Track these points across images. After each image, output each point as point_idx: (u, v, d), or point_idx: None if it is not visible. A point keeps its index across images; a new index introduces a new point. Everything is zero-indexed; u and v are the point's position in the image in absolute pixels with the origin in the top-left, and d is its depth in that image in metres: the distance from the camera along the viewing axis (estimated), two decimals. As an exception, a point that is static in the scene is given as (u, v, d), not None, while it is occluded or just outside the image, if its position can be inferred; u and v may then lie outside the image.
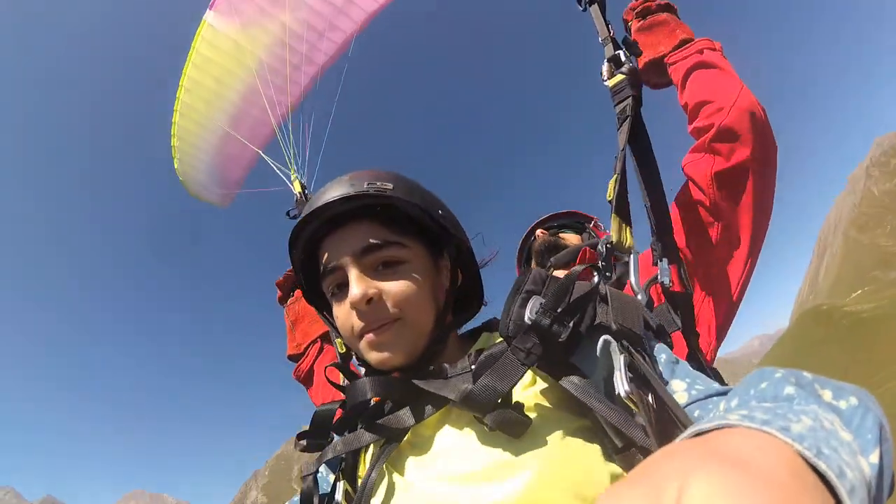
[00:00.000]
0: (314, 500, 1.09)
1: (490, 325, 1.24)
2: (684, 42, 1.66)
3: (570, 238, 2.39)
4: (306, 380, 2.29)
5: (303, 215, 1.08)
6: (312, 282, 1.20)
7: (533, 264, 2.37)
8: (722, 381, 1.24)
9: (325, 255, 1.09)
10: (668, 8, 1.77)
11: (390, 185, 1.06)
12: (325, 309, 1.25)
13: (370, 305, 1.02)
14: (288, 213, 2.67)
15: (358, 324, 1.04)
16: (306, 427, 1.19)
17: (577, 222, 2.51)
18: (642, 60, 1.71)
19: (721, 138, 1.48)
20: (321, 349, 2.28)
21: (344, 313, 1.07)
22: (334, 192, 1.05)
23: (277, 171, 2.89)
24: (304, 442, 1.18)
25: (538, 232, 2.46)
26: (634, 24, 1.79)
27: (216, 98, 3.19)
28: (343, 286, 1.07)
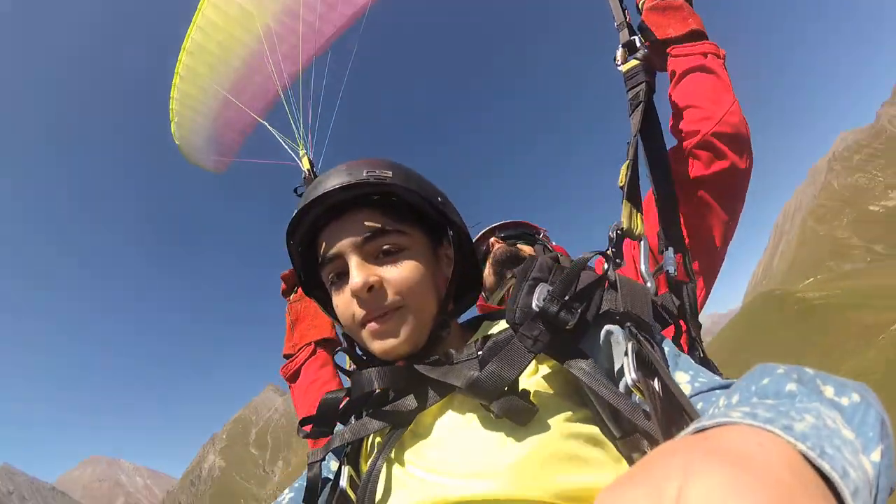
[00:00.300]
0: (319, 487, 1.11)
1: (490, 314, 1.25)
2: (693, 34, 1.65)
3: (526, 249, 2.39)
4: (292, 378, 2.27)
5: (301, 205, 1.07)
6: (311, 272, 1.20)
7: (488, 272, 2.35)
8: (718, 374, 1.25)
9: (325, 244, 1.08)
10: None
11: (389, 173, 1.06)
12: (323, 299, 1.23)
13: (371, 293, 1.02)
14: (296, 190, 2.62)
15: (359, 312, 1.04)
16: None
17: (528, 233, 2.51)
18: (649, 39, 1.70)
19: (704, 146, 1.51)
20: (313, 352, 2.25)
21: (344, 302, 1.07)
22: (333, 180, 1.04)
23: (285, 146, 2.86)
24: (307, 428, 1.17)
25: (493, 241, 2.45)
26: (648, 2, 1.75)
27: (219, 63, 3.15)
28: (343, 275, 1.07)
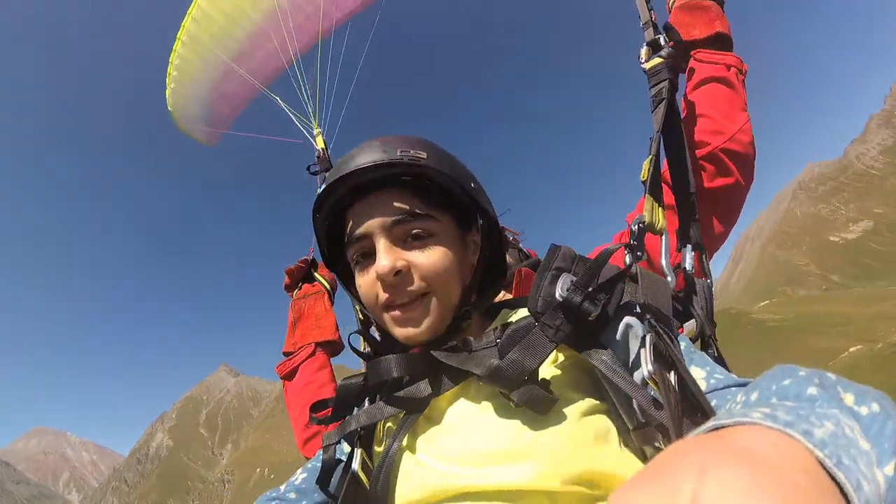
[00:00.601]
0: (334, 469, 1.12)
1: (510, 303, 1.23)
2: (718, 37, 1.65)
3: None
4: (288, 376, 2.22)
5: (330, 180, 1.05)
6: (335, 248, 1.18)
7: None
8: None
9: (352, 223, 1.06)
10: None
11: (424, 154, 1.03)
12: (345, 277, 1.22)
13: (398, 277, 1.01)
14: (308, 168, 2.60)
15: (383, 295, 1.04)
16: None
17: None
18: (673, 39, 1.69)
19: (711, 160, 1.51)
20: (312, 353, 2.21)
21: (368, 283, 1.06)
22: (365, 157, 1.02)
23: (297, 123, 2.79)
24: (320, 414, 1.17)
25: None
26: (677, 4, 1.75)
27: (223, 33, 3.07)
28: (369, 255, 1.06)
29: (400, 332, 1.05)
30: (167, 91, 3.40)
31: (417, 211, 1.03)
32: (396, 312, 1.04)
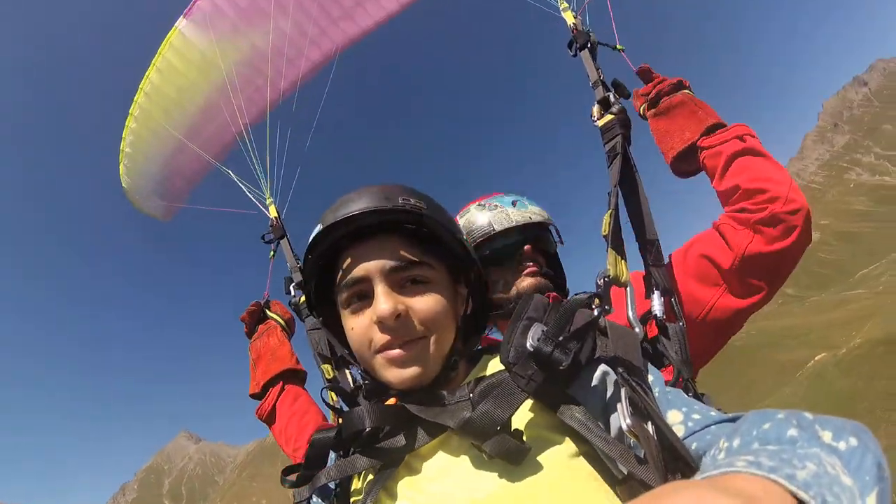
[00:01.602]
0: None
1: (490, 348, 1.24)
2: (715, 127, 1.64)
3: None
4: (269, 419, 2.26)
5: (330, 221, 1.06)
6: (320, 291, 1.19)
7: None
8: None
9: (349, 265, 1.06)
10: (679, 86, 1.75)
11: (423, 205, 1.06)
12: (328, 320, 1.23)
13: (398, 321, 1.01)
14: (263, 237, 2.67)
15: (380, 339, 1.03)
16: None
17: None
18: (670, 154, 1.71)
19: (770, 224, 1.47)
20: (282, 389, 2.26)
21: (363, 325, 1.05)
22: (366, 201, 1.03)
23: (248, 194, 2.84)
24: (293, 477, 1.16)
25: (532, 269, 2.28)
26: (649, 113, 1.78)
27: (175, 107, 3.08)
28: (364, 297, 1.06)
29: (394, 373, 1.04)
30: (121, 168, 3.37)
31: (415, 259, 1.05)
32: (395, 352, 1.03)
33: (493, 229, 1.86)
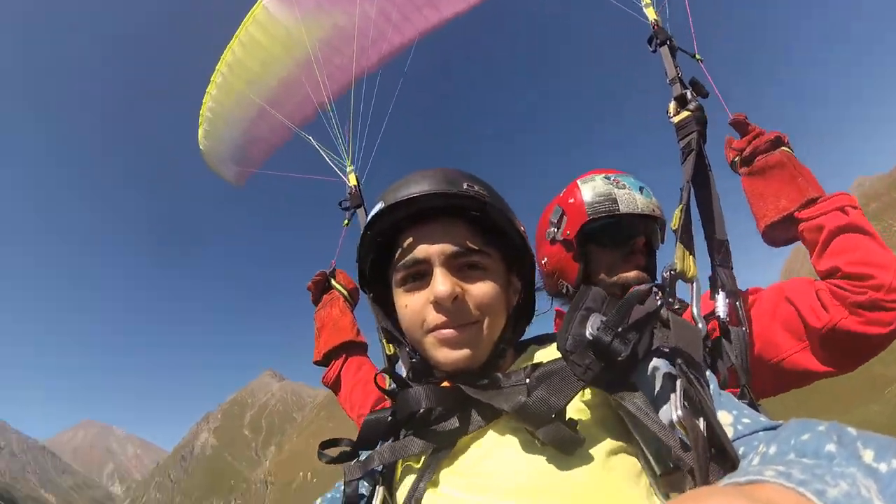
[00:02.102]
0: None
1: (539, 339, 1.23)
2: (815, 200, 1.51)
3: None
4: (334, 386, 2.34)
5: (392, 201, 1.04)
6: (375, 268, 1.18)
7: None
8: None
9: (409, 245, 1.06)
10: (778, 143, 1.60)
11: (485, 193, 1.05)
12: (379, 297, 1.22)
13: (454, 304, 1.01)
14: (340, 204, 2.73)
15: (435, 319, 1.03)
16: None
17: None
18: (763, 222, 1.59)
19: (869, 308, 1.38)
20: (345, 360, 2.32)
21: (418, 304, 1.05)
22: (430, 184, 1.02)
23: (329, 162, 2.87)
24: (332, 451, 1.15)
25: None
26: (742, 170, 1.66)
27: (257, 79, 3.10)
28: (420, 277, 1.06)
29: (444, 353, 1.04)
30: (199, 131, 3.47)
31: (475, 247, 1.05)
32: (448, 332, 1.03)
33: (618, 209, 1.75)
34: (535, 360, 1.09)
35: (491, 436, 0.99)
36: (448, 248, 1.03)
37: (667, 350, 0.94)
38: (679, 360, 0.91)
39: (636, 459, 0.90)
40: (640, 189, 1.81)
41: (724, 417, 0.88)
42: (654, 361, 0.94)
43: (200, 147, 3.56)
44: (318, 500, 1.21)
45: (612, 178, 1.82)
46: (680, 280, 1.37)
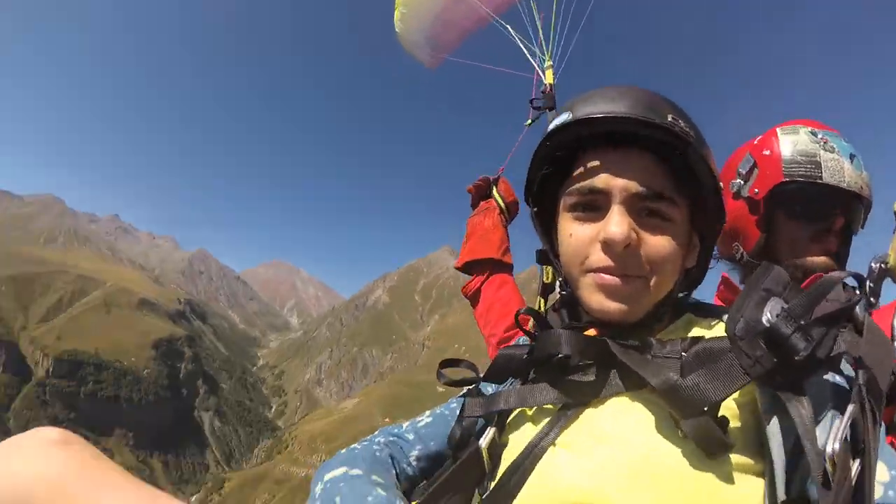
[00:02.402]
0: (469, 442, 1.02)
1: (698, 307, 1.07)
2: None
3: None
4: (473, 299, 2.27)
5: (583, 115, 0.92)
6: (545, 184, 1.07)
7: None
8: None
9: (589, 170, 0.94)
10: None
11: (691, 132, 0.90)
12: (542, 214, 1.12)
13: (626, 250, 0.90)
14: (531, 102, 2.53)
15: (599, 259, 0.92)
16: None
17: None
18: None
19: None
20: (488, 276, 2.24)
21: (584, 238, 0.94)
22: (629, 106, 0.89)
23: (527, 55, 2.65)
24: (451, 373, 1.09)
25: None
26: None
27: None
28: (593, 209, 0.94)
29: (599, 299, 0.94)
30: (395, 13, 3.45)
31: (664, 191, 0.92)
32: (610, 279, 0.92)
33: (821, 176, 1.48)
34: (693, 334, 0.95)
35: (627, 407, 0.87)
36: (633, 185, 0.90)
37: (850, 361, 0.77)
38: (861, 380, 0.73)
39: (762, 480, 0.76)
40: (851, 157, 1.50)
41: (882, 473, 0.72)
42: (830, 375, 0.79)
43: (396, 30, 3.54)
44: (427, 413, 1.16)
45: (820, 137, 1.52)
46: (889, 278, 1.19)
